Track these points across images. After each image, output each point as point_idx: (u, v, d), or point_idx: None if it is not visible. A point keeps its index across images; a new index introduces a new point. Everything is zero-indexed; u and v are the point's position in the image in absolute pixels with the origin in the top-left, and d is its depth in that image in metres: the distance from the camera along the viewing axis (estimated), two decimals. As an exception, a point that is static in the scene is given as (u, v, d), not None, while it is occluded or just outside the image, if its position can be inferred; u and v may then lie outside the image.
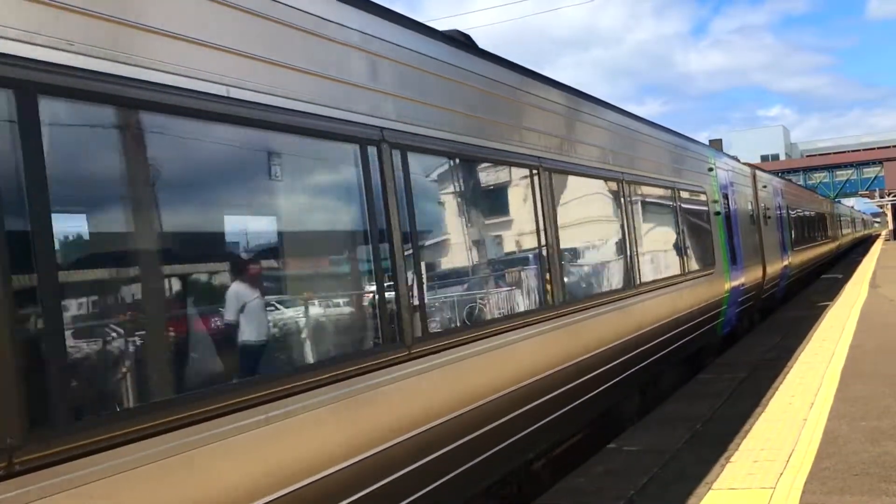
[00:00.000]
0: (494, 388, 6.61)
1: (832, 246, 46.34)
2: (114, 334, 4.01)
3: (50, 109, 3.49)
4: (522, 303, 8.02)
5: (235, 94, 4.40)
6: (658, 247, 12.25)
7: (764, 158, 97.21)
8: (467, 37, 7.62)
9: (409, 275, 5.74)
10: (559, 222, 8.37)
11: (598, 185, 10.09)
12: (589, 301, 8.94)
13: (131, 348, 4.09)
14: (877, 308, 17.44)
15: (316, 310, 5.49)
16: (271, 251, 5.26)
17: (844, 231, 65.46)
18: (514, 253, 8.35)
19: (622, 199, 10.52)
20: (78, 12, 3.61)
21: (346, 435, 4.87)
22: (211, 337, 4.62)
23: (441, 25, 7.55)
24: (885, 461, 6.53)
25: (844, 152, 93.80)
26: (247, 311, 4.75)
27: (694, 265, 13.56)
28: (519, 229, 8.27)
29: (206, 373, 4.55)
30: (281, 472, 4.33)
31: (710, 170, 15.90)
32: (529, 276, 8.21)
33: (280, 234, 5.26)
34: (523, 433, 7.13)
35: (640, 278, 10.61)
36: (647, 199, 12.00)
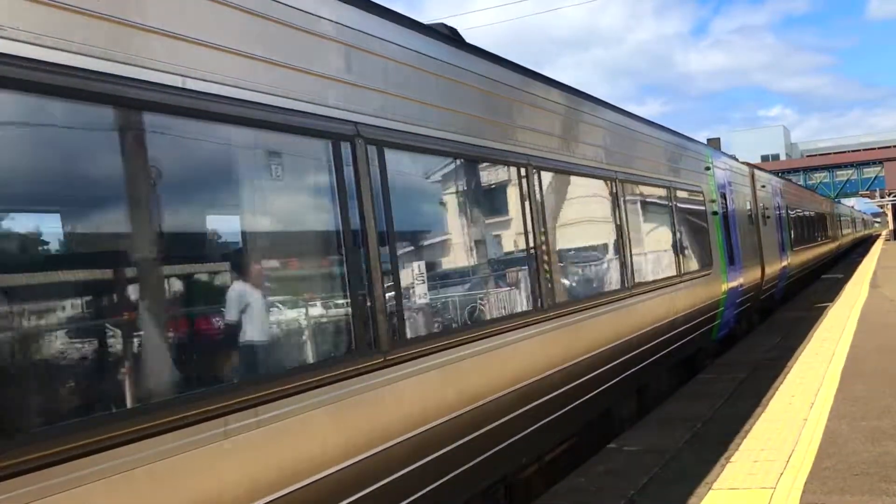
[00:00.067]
0: (477, 396, 6.35)
1: (832, 246, 46.28)
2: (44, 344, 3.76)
3: None
4: (509, 306, 7.73)
5: (192, 85, 4.10)
6: (653, 247, 11.99)
7: (764, 158, 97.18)
8: (453, 30, 7.43)
9: (386, 278, 5.46)
10: (548, 223, 8.12)
11: (591, 184, 9.83)
12: (580, 304, 8.70)
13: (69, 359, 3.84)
14: (877, 308, 17.43)
15: (282, 316, 5.20)
16: (233, 255, 4.91)
17: (844, 231, 65.40)
18: (499, 255, 8.07)
19: (615, 199, 10.24)
20: None
21: (316, 446, 4.61)
22: (164, 347, 4.26)
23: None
24: (885, 461, 6.52)
25: (845, 152, 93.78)
26: (204, 316, 4.50)
27: (690, 266, 13.29)
28: (505, 230, 8.02)
29: (158, 385, 4.15)
30: (244, 486, 4.08)
31: (708, 169, 15.67)
32: (516, 278, 7.94)
33: (243, 235, 4.93)
34: (509, 441, 6.87)
35: (633, 280, 10.34)
36: (642, 199, 11.77)
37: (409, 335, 5.77)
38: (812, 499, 5.88)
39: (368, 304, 5.23)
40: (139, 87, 3.80)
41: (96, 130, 3.92)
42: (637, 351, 10.18)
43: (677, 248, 12.73)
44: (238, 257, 4.86)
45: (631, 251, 10.42)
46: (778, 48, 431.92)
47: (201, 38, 4.20)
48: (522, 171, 7.76)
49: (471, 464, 6.26)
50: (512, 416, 6.85)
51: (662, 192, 12.60)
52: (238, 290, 4.73)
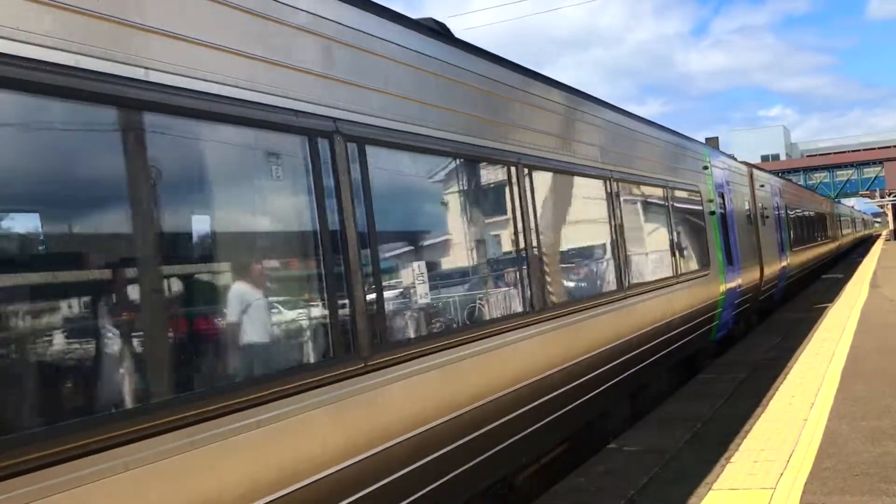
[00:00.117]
0: (465, 401, 6.12)
1: (832, 246, 46.25)
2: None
3: None
4: (499, 309, 7.49)
5: (156, 77, 3.88)
6: (649, 248, 11.82)
7: (764, 158, 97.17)
8: (442, 25, 7.26)
9: (367, 280, 5.23)
10: (540, 223, 7.91)
11: (585, 183, 9.61)
12: (574, 305, 8.47)
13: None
14: (877, 308, 17.42)
15: (256, 321, 4.83)
16: (204, 257, 4.61)
17: (845, 231, 65.38)
18: (488, 257, 7.78)
19: (610, 198, 10.02)
20: None
21: (289, 457, 4.36)
22: (114, 357, 3.99)
23: None
24: (885, 461, 6.52)
25: (845, 152, 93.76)
26: (172, 322, 4.26)
27: (687, 266, 13.08)
28: (495, 231, 7.78)
29: (114, 396, 3.92)
30: (212, 501, 3.88)
31: (706, 168, 15.43)
32: (507, 280, 7.73)
33: (209, 237, 4.59)
34: (501, 447, 6.64)
35: (629, 281, 10.14)
36: (637, 199, 11.58)
37: (391, 339, 5.54)
38: (812, 499, 5.88)
39: (347, 307, 5.00)
40: (97, 79, 3.58)
41: (53, 125, 3.69)
42: (633, 353, 10.01)
43: (674, 249, 12.53)
44: (203, 260, 4.58)
45: (626, 252, 10.25)
46: (778, 48, 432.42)
47: (164, 28, 3.99)
48: (513, 169, 7.56)
49: (461, 470, 6.06)
50: (503, 420, 6.65)
51: (659, 191, 12.41)
52: (201, 294, 4.50)
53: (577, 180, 9.36)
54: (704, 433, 9.48)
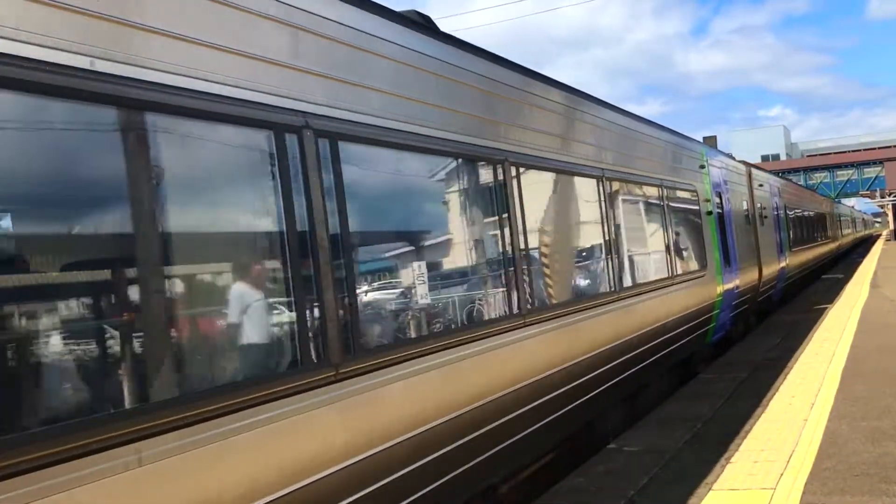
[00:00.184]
0: (444, 410, 5.83)
1: (832, 246, 46.21)
2: None
3: None
4: (480, 314, 7.21)
5: (102, 67, 3.62)
6: (643, 249, 11.64)
7: (764, 158, 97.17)
8: (426, 18, 7.05)
9: (339, 284, 4.93)
10: (528, 224, 7.62)
11: (575, 182, 9.31)
12: (562, 309, 8.15)
13: None
14: (878, 308, 17.41)
15: (216, 327, 4.60)
16: (157, 260, 4.24)
17: (845, 231, 65.34)
18: (471, 259, 7.45)
19: (602, 198, 9.70)
20: None
21: (253, 471, 4.10)
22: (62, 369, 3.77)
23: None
24: (885, 461, 6.51)
25: (845, 152, 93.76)
26: (117, 330, 3.94)
27: (683, 267, 12.82)
28: (478, 232, 7.44)
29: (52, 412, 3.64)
30: None
31: (703, 167, 15.18)
32: (489, 283, 7.41)
33: (163, 238, 4.23)
34: (480, 459, 6.33)
35: (621, 283, 9.87)
36: (631, 198, 11.32)
37: (365, 346, 5.26)
38: (812, 499, 5.87)
39: (317, 313, 4.73)
40: (40, 69, 3.37)
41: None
42: (626, 357, 9.74)
43: (669, 250, 12.28)
44: (157, 263, 4.21)
45: (619, 253, 10.00)
46: (778, 48, 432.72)
47: (114, 15, 3.72)
48: (499, 167, 7.27)
49: (442, 481, 5.76)
50: (488, 428, 6.39)
51: (654, 190, 12.14)
52: (149, 300, 4.17)
53: (568, 179, 9.13)
54: (704, 433, 9.47)
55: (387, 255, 6.46)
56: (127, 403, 3.83)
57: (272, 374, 4.61)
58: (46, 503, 3.15)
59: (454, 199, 7.37)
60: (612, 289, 9.60)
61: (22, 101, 3.46)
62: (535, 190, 8.22)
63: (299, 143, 4.72)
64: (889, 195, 67.99)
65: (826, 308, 19.83)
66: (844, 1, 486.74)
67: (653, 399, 11.70)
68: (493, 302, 7.34)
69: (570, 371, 8.01)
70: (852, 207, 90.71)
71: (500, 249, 7.37)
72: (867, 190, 75.76)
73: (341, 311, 4.95)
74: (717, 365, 14.49)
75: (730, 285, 15.65)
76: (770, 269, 20.90)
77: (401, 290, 6.42)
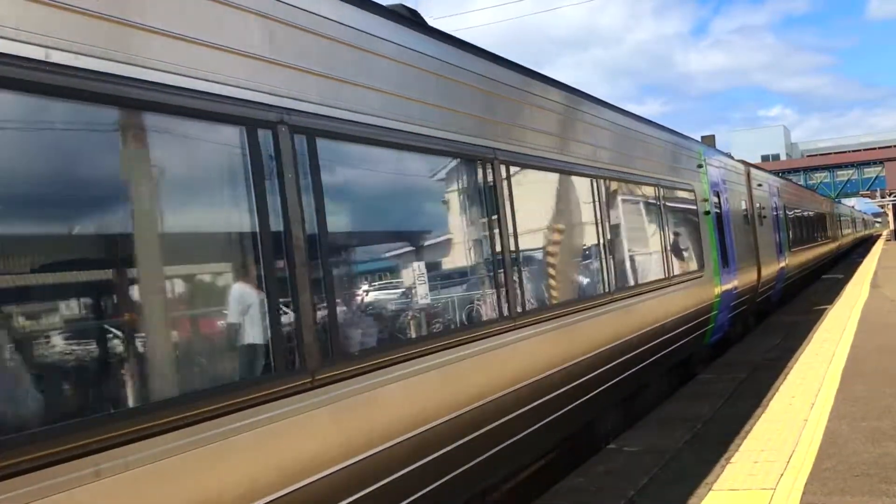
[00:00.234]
0: (429, 417, 5.62)
1: (832, 246, 46.18)
2: None
3: None
4: (469, 315, 6.99)
5: (58, 58, 3.44)
6: (639, 249, 11.42)
7: (765, 158, 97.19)
8: (414, 12, 6.85)
9: (316, 287, 4.74)
10: (518, 224, 7.39)
11: (567, 181, 9.08)
12: (553, 311, 7.95)
13: None
14: (878, 308, 17.41)
15: (180, 331, 4.38)
16: (118, 262, 4.06)
17: (845, 231, 65.32)
18: (458, 260, 7.21)
19: (596, 197, 9.50)
20: None
21: (221, 484, 3.91)
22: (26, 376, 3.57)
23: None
24: (885, 462, 6.51)
25: (845, 152, 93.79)
26: (63, 335, 3.74)
27: (680, 268, 12.64)
28: (466, 231, 7.22)
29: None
30: None
31: (700, 167, 15.03)
32: (479, 284, 7.20)
33: (124, 240, 4.03)
34: (468, 466, 6.12)
35: (616, 284, 9.65)
36: (627, 198, 11.13)
37: (344, 351, 5.04)
38: (812, 499, 5.87)
39: (293, 317, 4.54)
40: None
41: None
42: (621, 359, 9.56)
43: (666, 250, 12.08)
44: (121, 265, 4.03)
45: (614, 254, 9.81)
46: (778, 48, 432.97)
47: (73, 4, 3.52)
48: (488, 166, 7.05)
49: (425, 491, 5.54)
50: (476, 434, 6.20)
51: (650, 190, 11.96)
52: (123, 302, 4.01)
53: (561, 178, 8.94)
54: (704, 433, 9.47)
55: (368, 256, 6.24)
56: (84, 414, 3.58)
57: (243, 382, 4.36)
58: None
59: (439, 199, 7.18)
60: (607, 290, 9.44)
61: None
62: (527, 189, 8.09)
63: (274, 139, 4.54)
64: (889, 195, 67.98)
65: (826, 308, 19.80)
66: (844, 1, 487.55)
67: (651, 400, 11.63)
68: (482, 304, 7.14)
69: (564, 374, 7.86)
70: (852, 207, 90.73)
71: (489, 250, 7.16)
72: (867, 190, 75.78)
73: (318, 315, 4.75)
74: (717, 365, 14.48)
75: (728, 286, 15.53)
76: (769, 270, 20.81)
77: (382, 293, 6.22)
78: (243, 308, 4.53)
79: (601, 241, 9.57)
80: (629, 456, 8.74)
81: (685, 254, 13.41)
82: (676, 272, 12.36)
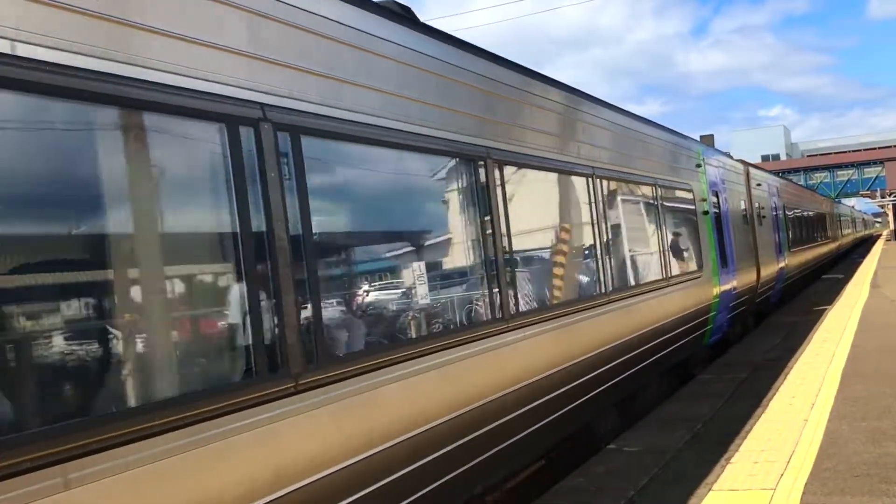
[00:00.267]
0: (422, 420, 5.47)
1: (832, 246, 46.17)
2: None
3: None
4: (461, 317, 6.81)
5: (25, 51, 3.30)
6: (635, 250, 11.24)
7: (765, 158, 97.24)
8: (406, 8, 6.73)
9: (300, 288, 4.60)
10: (512, 224, 7.26)
11: (563, 180, 8.95)
12: (547, 313, 7.80)
13: None
14: (878, 308, 17.40)
15: (158, 334, 4.18)
16: (91, 262, 3.90)
17: (845, 231, 65.32)
18: (449, 260, 7.02)
19: (592, 197, 9.33)
20: None
21: (200, 494, 3.78)
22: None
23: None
24: (886, 462, 6.50)
25: (845, 152, 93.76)
26: (31, 341, 3.56)
27: (677, 269, 12.50)
28: (458, 232, 7.06)
29: None
30: None
31: (699, 166, 14.87)
32: (470, 285, 7.06)
33: (98, 240, 3.87)
34: (459, 472, 5.97)
35: (612, 285, 9.48)
36: (624, 197, 10.99)
37: (328, 355, 4.88)
38: (812, 500, 5.86)
39: (276, 319, 4.39)
40: None
41: None
42: (618, 361, 9.41)
43: (663, 250, 11.94)
44: (95, 266, 3.88)
45: (610, 254, 9.67)
46: (778, 48, 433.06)
47: None
48: (481, 165, 6.88)
49: (413, 499, 5.38)
50: (468, 440, 6.03)
51: (647, 190, 11.81)
52: (87, 305, 3.86)
53: (555, 177, 8.82)
54: (704, 433, 9.47)
55: (354, 258, 6.04)
56: (53, 421, 3.38)
57: (224, 387, 4.17)
58: None
59: (430, 198, 7.01)
60: (603, 291, 9.31)
61: None
62: (521, 189, 7.99)
63: (256, 136, 4.40)
64: (889, 195, 67.99)
65: (826, 309, 19.78)
66: (844, 1, 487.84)
67: (650, 402, 11.57)
68: (474, 306, 6.99)
69: (559, 377, 7.74)
70: (852, 207, 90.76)
71: (482, 251, 6.99)
72: (867, 190, 75.79)
73: (303, 318, 4.59)
74: (717, 365, 14.48)
75: (727, 286, 15.43)
76: (768, 270, 20.76)
77: (370, 295, 6.03)
78: (223, 312, 4.42)
79: (597, 241, 9.44)
80: (629, 456, 8.74)
81: (683, 254, 13.32)
82: (674, 273, 12.25)
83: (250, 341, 4.28)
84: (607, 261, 9.54)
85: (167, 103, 3.92)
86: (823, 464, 6.62)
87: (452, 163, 6.90)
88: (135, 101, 3.79)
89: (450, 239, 7.09)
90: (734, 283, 16.21)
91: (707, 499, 6.21)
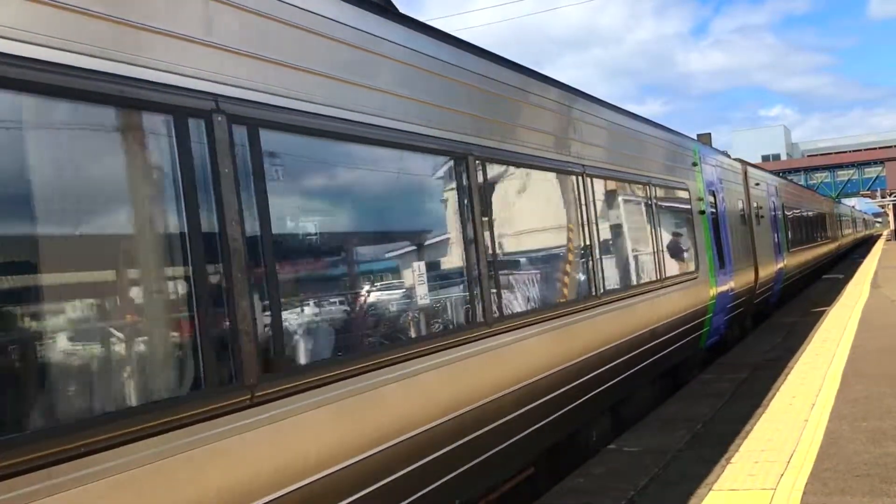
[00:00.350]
0: (391, 434, 5.13)
1: (832, 246, 46.14)
2: None
3: None
4: (437, 321, 6.46)
5: None
6: (628, 250, 11.07)
7: (765, 158, 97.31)
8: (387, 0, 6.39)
9: (256, 292, 4.30)
10: (496, 224, 7.00)
11: (549, 178, 8.63)
12: (534, 315, 7.49)
13: None
14: (879, 308, 17.39)
15: (90, 346, 3.83)
16: (21, 265, 3.52)
17: (845, 231, 65.30)
18: (428, 261, 6.55)
19: (582, 196, 9.04)
20: None
21: None
22: None
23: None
24: (886, 462, 6.50)
25: (845, 152, 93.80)
26: None
27: (672, 270, 12.18)
28: (436, 233, 6.77)
29: None
30: None
31: (695, 165, 14.60)
32: (448, 287, 6.73)
33: (30, 242, 3.52)
34: (435, 485, 5.66)
35: (603, 287, 9.20)
36: (615, 196, 10.72)
37: (289, 364, 4.56)
38: (813, 500, 5.86)
39: (228, 325, 4.07)
40: None
41: None
42: (610, 365, 9.15)
43: (657, 251, 11.68)
44: (23, 270, 3.52)
45: (600, 255, 9.33)
46: (778, 48, 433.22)
47: None
48: (461, 162, 6.58)
49: None
50: (442, 453, 5.72)
51: (641, 189, 11.51)
52: (17, 313, 3.51)
53: (543, 176, 8.53)
54: (705, 434, 9.47)
55: (319, 260, 5.60)
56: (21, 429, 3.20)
57: (169, 401, 3.81)
58: None
59: (405, 198, 6.59)
60: (593, 293, 9.00)
61: None
62: (506, 187, 7.75)
63: (207, 129, 4.09)
64: (890, 195, 67.97)
65: (826, 309, 19.77)
66: (844, 1, 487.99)
67: (647, 405, 11.50)
68: (452, 309, 6.65)
69: (545, 383, 7.47)
70: (853, 207, 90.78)
71: (462, 252, 6.64)
72: (868, 190, 75.83)
73: (260, 325, 4.30)
74: (717, 366, 14.47)
75: (724, 287, 15.25)
76: (767, 271, 20.64)
77: (335, 300, 5.63)
78: (170, 319, 4.11)
79: (587, 241, 9.16)
80: (629, 456, 8.74)
81: (678, 255, 13.08)
82: (669, 273, 12.00)
83: (200, 350, 3.95)
84: (597, 262, 9.25)
85: (105, 93, 3.61)
86: (824, 464, 6.62)
87: (431, 160, 6.59)
88: (68, 91, 3.47)
89: (426, 240, 6.72)
90: (731, 284, 16.07)
91: (707, 499, 6.21)
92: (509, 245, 7.75)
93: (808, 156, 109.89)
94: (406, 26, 6.22)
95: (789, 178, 46.18)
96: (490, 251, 6.88)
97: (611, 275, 9.81)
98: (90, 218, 3.78)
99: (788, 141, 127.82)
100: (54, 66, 3.39)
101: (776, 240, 23.18)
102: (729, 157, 20.04)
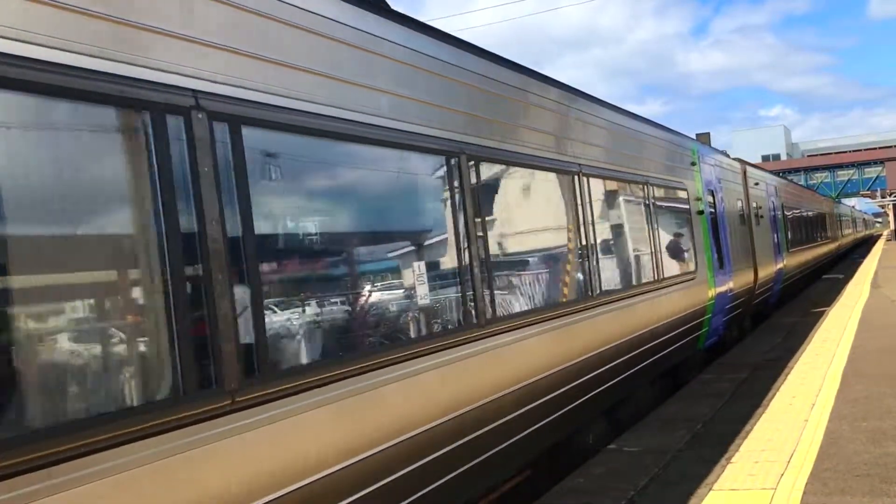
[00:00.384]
0: (379, 440, 5.00)
1: (832, 246, 46.11)
2: None
3: None
4: (427, 323, 6.27)
5: None
6: (624, 251, 10.99)
7: (765, 158, 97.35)
8: None
9: (238, 294, 4.15)
10: (489, 224, 6.90)
11: (546, 178, 8.55)
12: (528, 317, 7.37)
13: None
14: (879, 308, 17.39)
15: (65, 350, 3.66)
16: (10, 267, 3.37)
17: (845, 231, 65.27)
18: (417, 262, 6.34)
19: (578, 196, 8.93)
20: None
21: None
22: None
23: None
24: (886, 462, 6.50)
25: (846, 152, 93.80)
26: None
27: (670, 270, 12.07)
28: (427, 232, 6.65)
29: None
30: None
31: (694, 165, 14.50)
32: (439, 289, 6.56)
33: (6, 242, 3.36)
34: (426, 490, 5.53)
35: (599, 287, 9.10)
36: (612, 196, 10.64)
37: (272, 368, 4.41)
38: (813, 500, 5.86)
39: (208, 328, 3.96)
40: None
41: None
42: (606, 366, 9.06)
43: (655, 251, 11.57)
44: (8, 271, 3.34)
45: (596, 255, 9.21)
46: (778, 48, 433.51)
47: None
48: (454, 161, 6.46)
49: None
50: (430, 459, 5.58)
51: (638, 188, 11.40)
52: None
53: (537, 174, 8.42)
54: (705, 434, 9.47)
55: (303, 261, 5.43)
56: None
57: (147, 406, 3.72)
58: None
59: (394, 197, 6.41)
60: (589, 294, 8.91)
61: None
62: (499, 186, 7.64)
63: (186, 126, 3.97)
64: (890, 195, 67.97)
65: (826, 309, 19.76)
66: (844, 1, 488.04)
67: (650, 404, 11.53)
68: (443, 310, 6.50)
69: (540, 385, 7.36)
70: (853, 207, 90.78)
71: (454, 252, 6.53)
72: (868, 190, 75.84)
73: (242, 328, 4.16)
74: (717, 366, 14.47)
75: (722, 288, 15.16)
76: (766, 271, 20.57)
77: (320, 302, 5.45)
78: (148, 322, 3.94)
79: (583, 242, 9.02)
80: (629, 456, 8.74)
81: (676, 255, 12.98)
82: (667, 274, 11.91)
83: (178, 354, 3.82)
84: (594, 262, 9.13)
85: (79, 89, 3.49)
86: (824, 464, 6.62)
87: (421, 159, 6.43)
88: (41, 87, 3.35)
89: (417, 240, 6.57)
90: (731, 285, 16.01)
91: (707, 499, 6.21)
92: (505, 245, 7.70)
93: (808, 156, 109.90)
94: (397, 22, 6.11)
95: (789, 178, 46.18)
96: (485, 251, 6.78)
97: (608, 275, 9.73)
98: (64, 219, 3.61)
99: (788, 141, 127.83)
100: (43, 64, 3.30)
101: (775, 240, 23.13)
102: (728, 156, 20.00)
